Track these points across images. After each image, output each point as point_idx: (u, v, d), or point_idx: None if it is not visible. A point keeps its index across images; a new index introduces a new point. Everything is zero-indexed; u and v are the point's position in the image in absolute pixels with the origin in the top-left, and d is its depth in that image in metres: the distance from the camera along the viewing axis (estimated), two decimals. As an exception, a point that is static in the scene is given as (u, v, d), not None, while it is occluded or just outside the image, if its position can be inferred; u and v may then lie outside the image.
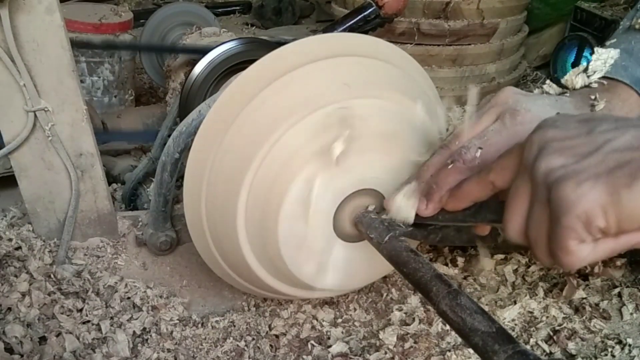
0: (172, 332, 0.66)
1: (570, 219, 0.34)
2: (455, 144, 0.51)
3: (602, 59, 0.55)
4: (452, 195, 0.49)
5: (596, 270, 0.69)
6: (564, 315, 0.66)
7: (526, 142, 0.40)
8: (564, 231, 0.35)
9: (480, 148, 0.49)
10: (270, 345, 0.65)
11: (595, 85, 0.53)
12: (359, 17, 0.89)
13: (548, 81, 0.58)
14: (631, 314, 0.65)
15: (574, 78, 0.55)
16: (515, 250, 0.75)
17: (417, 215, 0.52)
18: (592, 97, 0.52)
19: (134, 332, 0.65)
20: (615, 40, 0.58)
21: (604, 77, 0.54)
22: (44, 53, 0.62)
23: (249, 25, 1.97)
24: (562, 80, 0.56)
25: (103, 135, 0.97)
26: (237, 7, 2.09)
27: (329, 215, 0.55)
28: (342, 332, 0.66)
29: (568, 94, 0.54)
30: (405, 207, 0.52)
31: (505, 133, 0.49)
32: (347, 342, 0.64)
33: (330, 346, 0.64)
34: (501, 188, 0.45)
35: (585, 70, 0.56)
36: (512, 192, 0.41)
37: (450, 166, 0.50)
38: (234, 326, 0.68)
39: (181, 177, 0.61)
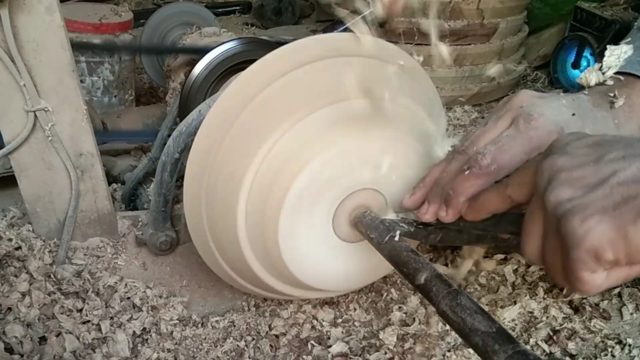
0: (172, 332, 0.66)
1: (580, 253, 0.35)
2: (472, 150, 0.52)
3: (615, 54, 0.56)
4: (471, 206, 0.50)
5: None
6: (564, 315, 0.66)
7: (537, 169, 0.41)
8: (575, 263, 0.36)
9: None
10: (270, 345, 0.65)
11: (611, 82, 0.53)
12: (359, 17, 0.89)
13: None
14: (631, 314, 0.65)
15: (588, 76, 0.55)
16: (516, 250, 0.75)
17: (438, 220, 0.53)
18: (611, 94, 0.52)
19: (134, 332, 0.65)
20: (629, 39, 0.58)
21: (619, 73, 0.54)
22: (44, 53, 0.62)
23: (249, 25, 1.97)
24: (577, 80, 0.57)
25: (103, 135, 0.97)
26: (237, 7, 2.09)
27: (328, 215, 0.55)
28: (342, 332, 0.66)
29: (586, 92, 0.54)
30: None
31: (519, 138, 0.50)
32: (347, 342, 0.64)
33: (330, 346, 0.64)
34: (519, 202, 0.45)
35: (600, 67, 0.56)
36: (528, 217, 0.42)
37: (467, 172, 0.50)
38: (234, 326, 0.68)
39: (181, 177, 0.61)
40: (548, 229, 0.39)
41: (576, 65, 1.30)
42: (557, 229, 0.37)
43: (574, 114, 0.51)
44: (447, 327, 0.64)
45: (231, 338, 0.65)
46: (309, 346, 0.64)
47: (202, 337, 0.66)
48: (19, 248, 0.72)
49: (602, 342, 0.62)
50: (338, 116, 0.53)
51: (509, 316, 0.66)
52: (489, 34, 1.20)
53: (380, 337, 0.64)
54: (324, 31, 0.92)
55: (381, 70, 0.59)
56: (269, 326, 0.68)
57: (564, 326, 0.64)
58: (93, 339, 0.63)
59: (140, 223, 0.78)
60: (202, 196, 0.57)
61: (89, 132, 0.69)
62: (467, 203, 0.50)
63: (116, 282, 0.71)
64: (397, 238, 0.52)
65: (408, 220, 0.56)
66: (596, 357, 0.60)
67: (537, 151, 0.50)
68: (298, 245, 0.56)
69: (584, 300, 0.67)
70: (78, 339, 0.63)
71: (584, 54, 1.29)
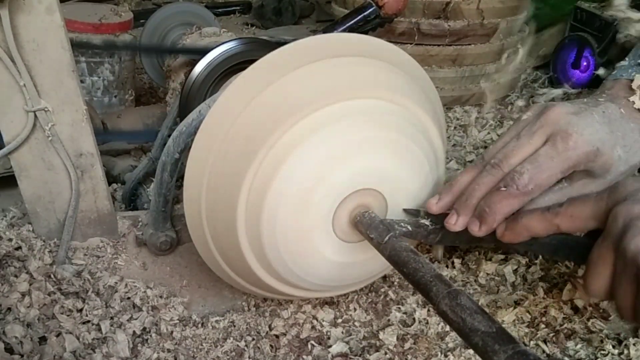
0: (172, 332, 0.66)
1: None
2: (507, 165, 0.52)
3: None
4: (510, 228, 0.51)
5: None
6: (564, 316, 0.66)
7: (611, 214, 0.43)
8: None
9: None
10: (270, 346, 0.65)
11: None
12: (359, 17, 0.89)
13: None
14: (631, 314, 0.65)
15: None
16: (516, 250, 0.75)
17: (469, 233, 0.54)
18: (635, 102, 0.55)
19: (134, 332, 0.65)
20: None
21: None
22: (44, 53, 0.62)
23: (249, 25, 1.97)
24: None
25: (103, 135, 0.97)
26: (237, 7, 2.09)
27: (328, 215, 0.55)
28: (342, 332, 0.66)
29: (613, 101, 0.56)
30: None
31: (557, 158, 0.51)
32: (347, 342, 0.64)
33: (330, 346, 0.64)
34: (565, 232, 0.48)
35: None
36: (595, 257, 0.43)
37: (503, 190, 0.51)
38: (234, 326, 0.68)
39: (181, 177, 0.61)
40: (622, 272, 0.40)
41: (576, 65, 1.30)
42: (636, 274, 0.38)
43: (607, 131, 0.53)
44: (447, 327, 0.65)
45: (231, 338, 0.65)
46: (309, 346, 0.64)
47: (202, 337, 0.66)
48: (19, 248, 0.72)
49: (602, 342, 0.62)
50: (339, 116, 0.53)
51: (508, 317, 0.66)
52: (489, 34, 1.20)
53: (380, 337, 0.64)
54: (324, 31, 0.92)
55: (382, 71, 0.59)
56: (269, 326, 0.68)
57: (563, 326, 0.64)
58: (93, 339, 0.63)
59: (140, 223, 0.78)
60: (202, 196, 0.57)
61: (89, 132, 0.69)
62: (502, 222, 0.51)
63: (116, 282, 0.71)
64: (397, 238, 0.52)
65: (411, 220, 0.56)
66: (596, 357, 0.60)
67: (572, 170, 0.52)
68: (297, 245, 0.56)
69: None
70: (78, 339, 0.63)
71: (584, 54, 1.29)
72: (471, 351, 0.61)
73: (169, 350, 0.64)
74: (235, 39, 0.78)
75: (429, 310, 0.67)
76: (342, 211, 0.56)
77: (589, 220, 0.45)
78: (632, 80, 0.57)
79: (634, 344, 0.60)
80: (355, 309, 0.70)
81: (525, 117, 0.56)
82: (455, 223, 0.53)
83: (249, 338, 0.66)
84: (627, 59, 0.62)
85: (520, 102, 1.27)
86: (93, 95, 1.11)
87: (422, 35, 1.18)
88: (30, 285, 0.67)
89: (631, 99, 0.56)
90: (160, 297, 0.71)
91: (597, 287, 0.43)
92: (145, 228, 0.76)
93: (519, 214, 0.51)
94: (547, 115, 0.53)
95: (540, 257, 0.74)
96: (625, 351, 0.60)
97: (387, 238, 0.51)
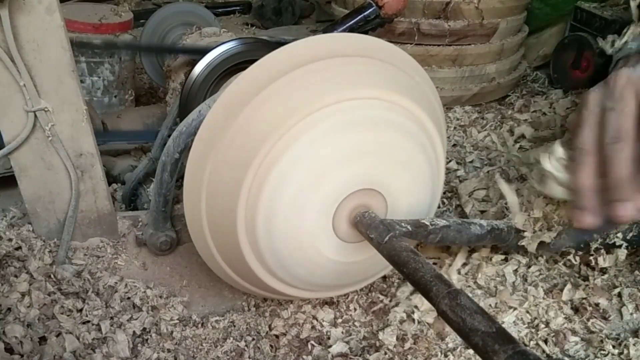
0: (172, 332, 0.66)
1: None
2: (627, 135, 0.52)
3: None
4: None
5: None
6: (564, 316, 0.66)
7: None
8: None
9: None
10: (270, 346, 0.65)
11: None
12: (359, 17, 0.89)
13: None
14: (631, 314, 0.65)
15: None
16: (516, 250, 0.75)
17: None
18: None
19: (134, 332, 0.65)
20: None
21: None
22: (44, 53, 0.62)
23: (249, 25, 1.97)
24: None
25: (103, 136, 0.97)
26: (237, 7, 2.09)
27: (328, 215, 0.55)
28: (342, 332, 0.66)
29: None
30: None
31: None
32: (347, 342, 0.64)
33: (330, 346, 0.64)
34: None
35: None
36: None
37: None
38: (234, 326, 0.68)
39: (181, 177, 0.61)
40: None
41: (576, 65, 1.30)
42: None
43: None
44: (447, 327, 0.64)
45: (231, 338, 0.65)
46: (309, 346, 0.64)
47: (202, 337, 0.66)
48: (19, 248, 0.72)
49: (602, 342, 0.62)
50: (339, 117, 0.53)
51: (508, 317, 0.66)
52: (489, 34, 1.20)
53: (380, 337, 0.64)
54: (324, 31, 0.92)
55: (382, 70, 0.59)
56: (269, 326, 0.68)
57: (564, 326, 0.64)
58: (93, 339, 0.63)
59: (140, 223, 0.78)
60: (202, 196, 0.57)
61: (89, 132, 0.69)
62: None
63: (116, 282, 0.71)
64: (397, 238, 0.52)
65: (410, 220, 0.56)
66: (596, 357, 0.60)
67: None
68: (298, 245, 0.56)
69: (584, 300, 0.67)
70: (78, 339, 0.63)
71: (584, 54, 1.29)
72: (471, 351, 0.61)
73: (169, 350, 0.64)
74: (235, 39, 0.78)
75: (429, 310, 0.67)
76: (342, 211, 0.56)
77: None
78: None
79: (634, 344, 0.60)
80: (355, 309, 0.70)
81: (591, 98, 0.56)
82: (627, 209, 0.53)
83: (249, 338, 0.66)
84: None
85: (520, 102, 1.27)
86: (93, 95, 1.11)
87: (422, 35, 1.18)
88: (30, 285, 0.67)
89: None
90: (160, 297, 0.71)
91: None
92: (145, 228, 0.76)
93: None
94: (618, 82, 0.53)
95: (544, 256, 0.74)
96: (625, 351, 0.60)
97: (387, 238, 0.51)
